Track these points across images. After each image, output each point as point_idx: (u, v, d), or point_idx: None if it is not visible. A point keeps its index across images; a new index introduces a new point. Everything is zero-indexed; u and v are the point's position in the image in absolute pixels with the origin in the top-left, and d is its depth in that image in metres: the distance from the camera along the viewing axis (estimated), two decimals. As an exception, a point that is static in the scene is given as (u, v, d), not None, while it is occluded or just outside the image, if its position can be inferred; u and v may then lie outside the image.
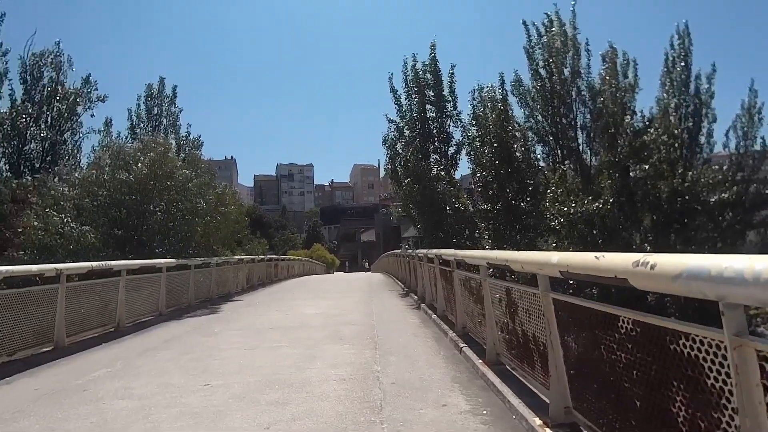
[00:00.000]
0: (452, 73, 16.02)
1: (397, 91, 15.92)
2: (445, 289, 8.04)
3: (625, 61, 20.65)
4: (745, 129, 22.37)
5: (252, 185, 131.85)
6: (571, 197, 14.10)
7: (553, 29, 21.09)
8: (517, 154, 14.05)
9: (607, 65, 20.70)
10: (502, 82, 16.08)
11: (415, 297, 11.77)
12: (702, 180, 19.85)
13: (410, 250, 13.17)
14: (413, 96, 15.83)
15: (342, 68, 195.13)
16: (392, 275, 21.70)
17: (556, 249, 13.72)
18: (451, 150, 15.83)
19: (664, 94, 21.47)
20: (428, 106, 15.98)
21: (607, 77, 20.57)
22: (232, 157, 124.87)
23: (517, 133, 14.51)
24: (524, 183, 13.87)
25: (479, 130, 15.38)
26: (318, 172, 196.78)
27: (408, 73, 16.04)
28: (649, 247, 17.66)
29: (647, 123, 20.70)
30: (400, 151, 14.96)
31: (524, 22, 22.03)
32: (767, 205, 19.87)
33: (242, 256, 17.11)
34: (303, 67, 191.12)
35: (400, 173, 15.27)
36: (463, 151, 15.79)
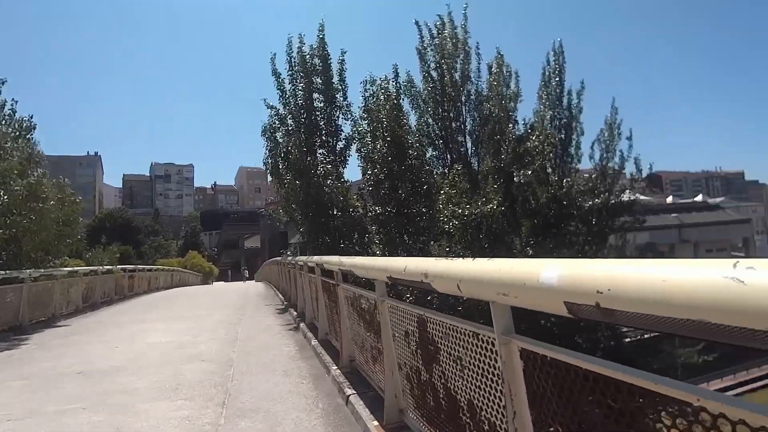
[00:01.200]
0: (342, 60, 14.39)
1: (280, 74, 13.84)
2: (328, 308, 6.27)
3: (508, 73, 21.14)
4: (607, 143, 24.41)
5: (121, 186, 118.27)
6: (464, 199, 13.30)
7: (445, 31, 20.75)
8: (411, 150, 12.84)
9: (494, 72, 20.86)
10: (396, 75, 14.85)
11: (295, 313, 9.85)
12: (575, 187, 20.89)
13: (290, 257, 11.24)
14: (299, 81, 13.88)
15: (229, 65, 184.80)
16: (273, 286, 19.39)
17: (448, 253, 12.73)
18: (340, 145, 14.14)
19: (541, 106, 22.49)
20: (315, 95, 14.15)
21: (494, 83, 20.67)
22: (96, 153, 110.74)
23: (409, 130, 13.30)
24: (419, 183, 12.70)
25: (371, 124, 13.96)
26: (199, 173, 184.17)
27: (293, 56, 14.07)
28: (531, 251, 17.78)
29: (529, 131, 21.29)
30: (281, 141, 12.84)
31: (417, 23, 21.39)
32: (625, 212, 21.43)
33: (77, 268, 13.61)
34: (185, 61, 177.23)
35: (282, 168, 13.21)
36: (353, 147, 14.23)
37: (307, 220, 12.38)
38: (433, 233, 12.73)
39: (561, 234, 20.16)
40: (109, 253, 18.51)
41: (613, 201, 21.50)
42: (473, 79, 21.26)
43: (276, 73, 13.79)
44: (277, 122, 13.12)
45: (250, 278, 45.97)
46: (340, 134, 14.20)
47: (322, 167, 12.81)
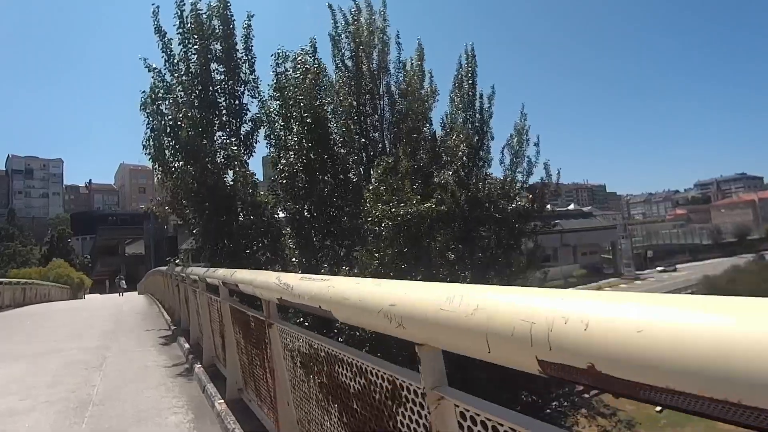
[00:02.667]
0: (249, 25, 11.78)
1: (165, 33, 10.84)
2: (247, 353, 3.94)
3: (421, 72, 20.19)
4: (516, 148, 25.04)
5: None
6: (394, 197, 11.46)
7: (362, 18, 19.00)
8: (336, 136, 10.70)
9: (414, 65, 19.62)
10: (314, 50, 12.62)
11: (186, 346, 7.19)
12: (494, 190, 20.45)
13: (179, 267, 8.49)
14: (191, 45, 11.02)
15: (109, 47, 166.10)
16: (158, 301, 15.96)
17: (379, 259, 10.81)
18: (246, 128, 11.50)
19: (454, 109, 22.00)
20: (214, 66, 11.39)
21: (414, 77, 19.38)
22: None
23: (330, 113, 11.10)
24: (344, 176, 10.61)
25: (284, 105, 11.58)
26: (71, 169, 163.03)
27: (185, 14, 11.17)
28: (453, 256, 16.66)
29: (448, 130, 20.54)
30: (167, 112, 9.83)
31: (330, 6, 19.42)
32: (536, 216, 21.58)
33: None
34: (53, 39, 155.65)
35: (168, 151, 10.28)
36: (261, 132, 11.70)
37: (202, 219, 9.63)
38: (361, 236, 10.73)
39: (476, 238, 19.50)
40: None
41: (526, 205, 21.62)
42: (392, 72, 19.74)
43: (160, 31, 10.77)
44: (161, 91, 10.12)
45: (132, 289, 40.04)
46: (245, 114, 11.58)
47: (224, 152, 10.14)
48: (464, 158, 20.02)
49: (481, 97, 24.44)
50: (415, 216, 10.65)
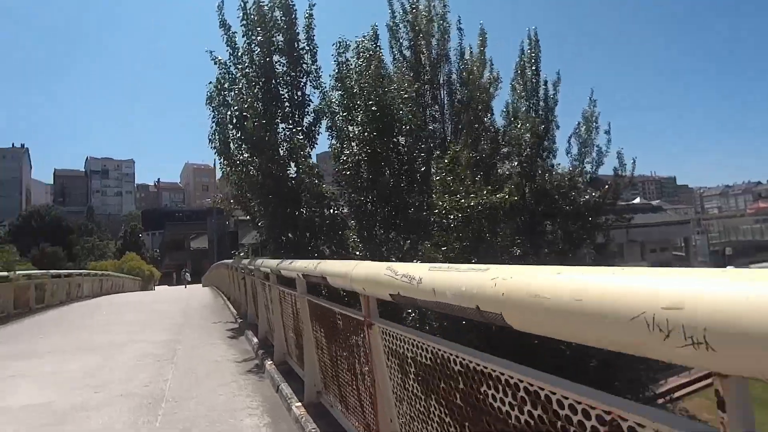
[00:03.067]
0: (310, 15, 11.51)
1: (229, 27, 10.78)
2: (330, 353, 3.53)
3: (483, 59, 19.31)
4: (585, 137, 23.77)
5: (52, 182, 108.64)
6: (461, 188, 10.84)
7: (420, 5, 18.39)
8: (402, 124, 10.21)
9: (475, 53, 18.82)
10: (376, 36, 12.17)
11: (255, 340, 6.99)
12: (562, 182, 19.31)
13: (246, 260, 8.34)
14: (254, 37, 10.89)
15: (174, 56, 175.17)
16: (224, 294, 16.21)
17: (445, 252, 10.24)
18: (308, 119, 11.26)
19: (516, 97, 20.98)
20: (276, 58, 11.21)
21: (477, 65, 18.56)
22: (22, 145, 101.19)
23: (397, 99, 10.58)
24: (411, 166, 10.11)
25: (345, 95, 11.23)
26: (141, 169, 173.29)
27: (248, 6, 11.06)
28: (518, 251, 15.78)
29: (512, 119, 19.55)
30: (232, 103, 9.72)
31: (387, -5, 18.98)
32: (609, 209, 20.27)
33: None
34: (124, 48, 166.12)
35: (233, 143, 10.20)
36: (323, 124, 11.41)
37: (267, 211, 9.45)
38: (426, 229, 10.20)
39: (542, 233, 18.50)
40: (7, 254, 14.46)
41: (598, 197, 20.39)
42: (453, 59, 19.03)
43: (225, 25, 10.69)
44: (227, 83, 10.03)
45: (195, 282, 41.69)
46: (308, 106, 11.32)
47: (287, 144, 9.90)
48: (528, 149, 19.05)
49: (545, 84, 23.18)
50: (487, 207, 10.00)
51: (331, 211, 9.70)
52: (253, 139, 9.09)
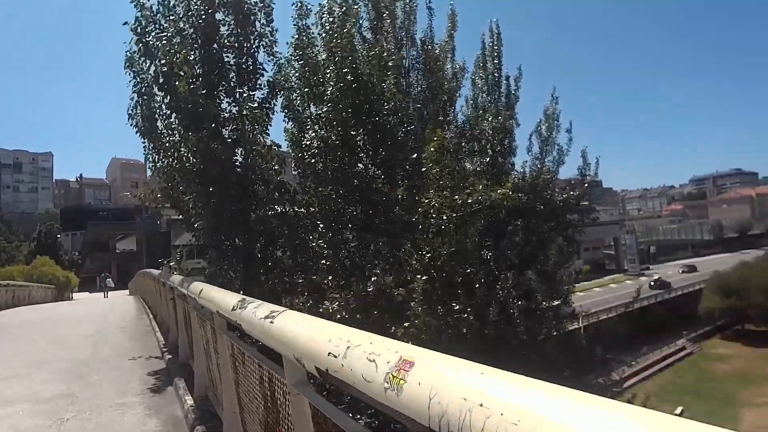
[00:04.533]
0: (265, -41, 9.18)
1: (157, -34, 8.21)
2: None
3: (452, 44, 17.78)
4: (546, 135, 23.26)
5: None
6: (451, 182, 8.96)
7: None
8: (384, 100, 8.14)
9: (445, 36, 17.12)
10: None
11: (189, 401, 4.67)
12: (538, 180, 18.14)
13: (177, 276, 5.91)
14: (190, -15, 8.38)
15: (100, 39, 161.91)
16: (149, 308, 13.39)
17: (430, 260, 8.31)
18: (261, 94, 8.91)
19: (477, 91, 19.70)
20: (221, 15, 8.78)
21: (445, 48, 16.86)
22: None
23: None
24: (400, 149, 8.09)
25: (307, 69, 9.02)
26: (61, 164, 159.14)
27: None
28: (489, 254, 14.32)
29: (480, 112, 18.06)
30: (160, 56, 7.12)
31: (346, -32, 16.86)
32: (575, 209, 19.62)
33: None
34: (43, 30, 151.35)
35: (161, 121, 7.72)
36: (279, 102, 9.10)
37: (207, 209, 7.06)
38: (414, 232, 8.22)
39: (510, 233, 17.18)
40: None
41: (570, 196, 19.54)
42: (418, 42, 17.18)
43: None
44: (151, 27, 7.43)
45: (122, 288, 37.22)
46: (261, 77, 8.95)
47: (235, 121, 7.52)
48: (498, 144, 17.61)
49: (507, 79, 22.31)
50: (486, 205, 8.19)
51: (294, 209, 7.49)
52: (188, 108, 6.65)
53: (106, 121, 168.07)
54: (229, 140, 7.13)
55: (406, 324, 7.05)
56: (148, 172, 14.78)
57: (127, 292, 30.96)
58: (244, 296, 2.69)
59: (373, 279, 7.27)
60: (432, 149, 9.23)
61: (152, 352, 7.80)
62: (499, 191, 8.41)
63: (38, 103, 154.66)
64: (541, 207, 17.60)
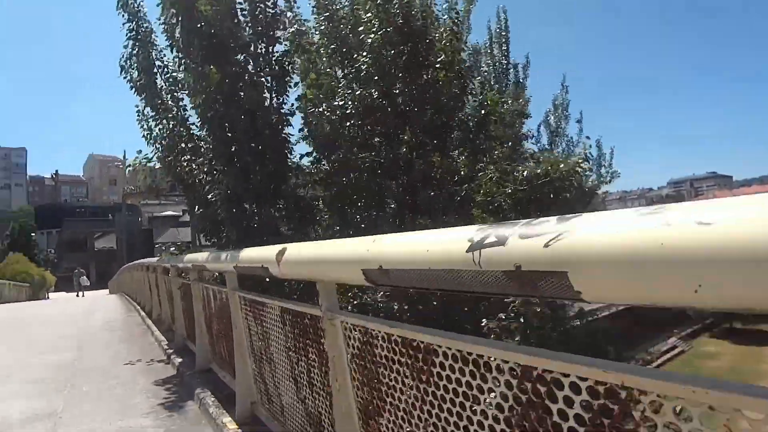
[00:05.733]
0: None
1: None
2: None
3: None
4: (554, 125, 22.89)
5: None
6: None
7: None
8: (437, 56, 6.77)
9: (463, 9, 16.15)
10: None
11: (228, 423, 3.27)
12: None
13: (194, 255, 4.47)
14: None
15: (75, 30, 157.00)
16: (138, 304, 11.77)
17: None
18: (280, 49, 7.43)
19: (484, 78, 18.91)
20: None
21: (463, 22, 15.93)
22: None
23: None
24: (452, 111, 6.74)
25: (332, 20, 7.61)
26: (36, 160, 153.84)
27: None
28: None
29: (500, 93, 17.26)
30: None
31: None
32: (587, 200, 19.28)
33: None
34: (15, 19, 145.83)
35: (161, 76, 6.26)
36: (296, 63, 7.64)
37: (230, 170, 5.55)
38: (467, 210, 6.89)
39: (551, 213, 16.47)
40: None
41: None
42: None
43: None
44: None
45: (100, 287, 35.02)
46: (278, 27, 7.44)
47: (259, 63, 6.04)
48: (520, 130, 16.75)
49: (515, 67, 21.70)
50: (555, 178, 6.90)
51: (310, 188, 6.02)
52: (210, 32, 5.17)
53: (83, 116, 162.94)
54: (259, 84, 5.71)
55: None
56: (128, 170, 13.34)
57: (106, 291, 28.96)
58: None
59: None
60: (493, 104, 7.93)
61: (153, 354, 6.29)
62: (571, 159, 7.13)
63: (11, 97, 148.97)
64: (567, 195, 16.67)
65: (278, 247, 2.09)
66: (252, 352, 3.18)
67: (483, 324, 5.18)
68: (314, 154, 7.52)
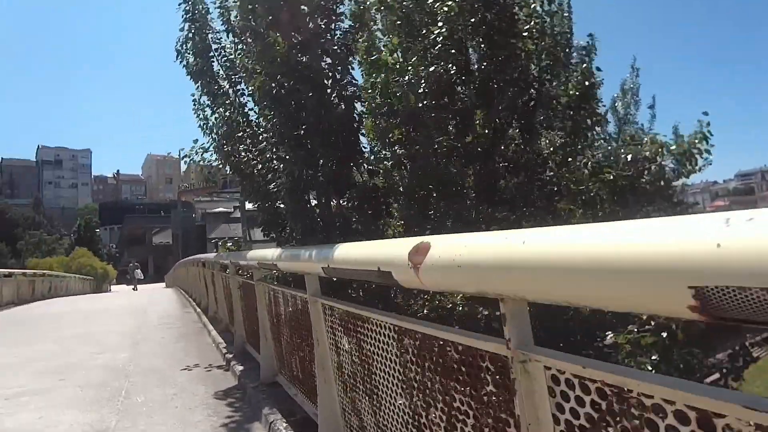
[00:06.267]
0: None
1: None
2: None
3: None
4: (622, 112, 20.91)
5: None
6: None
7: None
8: (525, 22, 5.93)
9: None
10: None
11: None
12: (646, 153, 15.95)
13: (263, 252, 3.86)
14: None
15: (134, 42, 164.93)
16: (193, 300, 11.54)
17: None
18: (344, 25, 6.74)
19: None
20: None
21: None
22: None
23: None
24: (542, 85, 5.90)
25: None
26: (99, 160, 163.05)
27: None
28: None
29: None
30: None
31: None
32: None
33: None
34: (82, 30, 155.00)
35: (218, 61, 5.78)
36: (364, 35, 6.92)
37: (296, 156, 4.88)
38: (558, 201, 6.00)
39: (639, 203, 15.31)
40: None
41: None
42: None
43: None
44: None
45: (157, 280, 36.12)
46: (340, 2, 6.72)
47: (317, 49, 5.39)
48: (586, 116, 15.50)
49: (582, 50, 20.12)
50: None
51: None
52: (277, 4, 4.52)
53: (142, 118, 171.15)
54: (329, 59, 5.05)
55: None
56: (182, 167, 12.95)
57: (162, 285, 29.68)
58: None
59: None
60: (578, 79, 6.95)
61: (211, 358, 5.78)
62: (683, 142, 6.06)
63: (77, 101, 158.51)
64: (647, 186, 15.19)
65: (411, 242, 1.35)
66: (340, 375, 2.47)
67: (607, 337, 4.29)
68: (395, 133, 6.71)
